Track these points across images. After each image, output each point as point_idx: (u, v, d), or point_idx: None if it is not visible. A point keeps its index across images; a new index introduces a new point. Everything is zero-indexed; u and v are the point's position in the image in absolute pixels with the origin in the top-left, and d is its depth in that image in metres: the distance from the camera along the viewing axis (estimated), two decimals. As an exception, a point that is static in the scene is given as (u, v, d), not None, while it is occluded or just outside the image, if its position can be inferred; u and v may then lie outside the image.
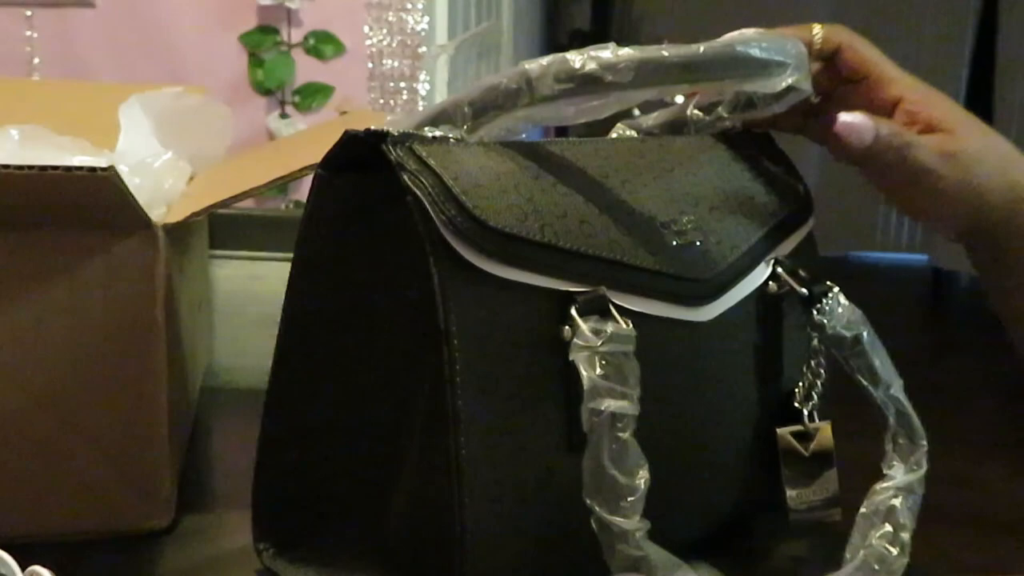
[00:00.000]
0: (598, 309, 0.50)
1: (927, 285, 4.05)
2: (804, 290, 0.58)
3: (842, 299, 0.58)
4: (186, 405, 0.73)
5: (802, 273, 0.59)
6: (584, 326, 0.49)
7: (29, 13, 1.89)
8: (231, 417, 0.83)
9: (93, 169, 0.54)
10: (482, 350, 0.48)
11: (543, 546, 0.51)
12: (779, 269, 0.60)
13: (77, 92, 1.01)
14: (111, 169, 0.54)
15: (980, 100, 3.62)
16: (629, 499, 0.47)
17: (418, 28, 1.97)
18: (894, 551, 0.54)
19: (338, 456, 0.56)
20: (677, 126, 0.64)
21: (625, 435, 0.47)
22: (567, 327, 0.49)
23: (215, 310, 0.93)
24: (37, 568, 0.49)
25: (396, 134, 0.49)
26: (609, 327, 0.49)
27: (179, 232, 0.63)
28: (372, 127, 0.50)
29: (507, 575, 0.50)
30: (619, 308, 0.50)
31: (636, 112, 0.62)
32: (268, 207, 1.81)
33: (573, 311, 0.49)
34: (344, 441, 0.56)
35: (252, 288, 0.95)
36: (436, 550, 0.50)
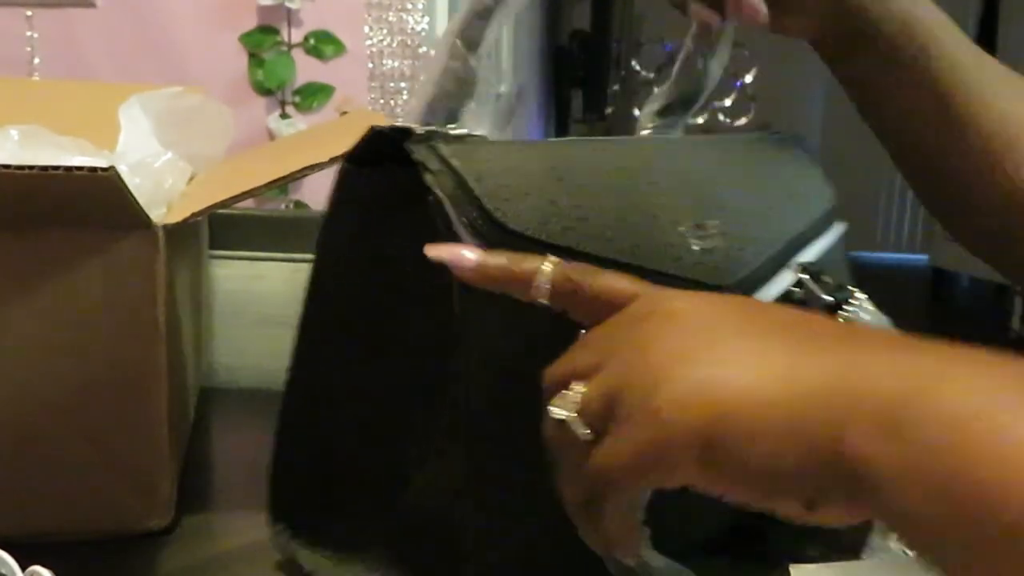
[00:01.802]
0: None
1: (927, 285, 4.06)
2: (828, 297, 0.58)
3: (868, 306, 0.58)
4: (186, 405, 0.73)
5: (827, 279, 0.59)
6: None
7: (30, 13, 1.89)
8: (231, 417, 0.83)
9: (93, 169, 0.54)
10: (498, 351, 0.48)
11: (547, 545, 0.51)
12: (804, 275, 0.59)
13: (77, 92, 1.01)
14: (111, 169, 0.54)
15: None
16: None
17: (418, 28, 1.97)
18: (912, 553, 0.54)
19: (354, 445, 0.56)
20: (708, 128, 0.63)
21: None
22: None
23: (215, 310, 0.93)
24: (37, 568, 0.49)
25: (420, 132, 0.49)
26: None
27: (179, 232, 0.63)
28: (398, 123, 0.49)
29: (514, 566, 0.50)
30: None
31: (637, 112, 0.62)
32: (268, 207, 1.82)
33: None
34: (360, 431, 0.56)
35: (252, 288, 0.95)
36: (445, 542, 0.50)
